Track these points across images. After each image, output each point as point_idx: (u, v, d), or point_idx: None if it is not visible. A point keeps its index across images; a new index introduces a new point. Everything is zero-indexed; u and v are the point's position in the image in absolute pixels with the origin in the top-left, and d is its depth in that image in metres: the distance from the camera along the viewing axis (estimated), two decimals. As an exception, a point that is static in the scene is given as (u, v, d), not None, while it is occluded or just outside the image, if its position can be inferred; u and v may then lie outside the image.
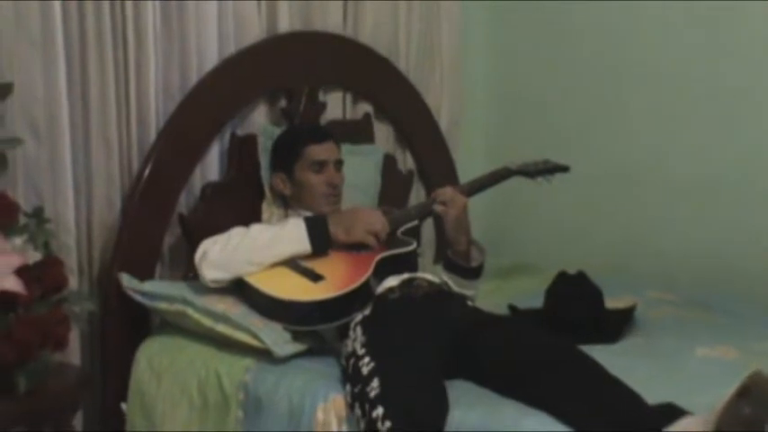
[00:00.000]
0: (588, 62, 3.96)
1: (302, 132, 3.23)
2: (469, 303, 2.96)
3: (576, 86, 4.00)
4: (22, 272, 2.44)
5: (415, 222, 3.14)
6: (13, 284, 2.41)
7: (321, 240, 2.90)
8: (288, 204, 3.17)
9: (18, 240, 2.51)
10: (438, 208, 2.98)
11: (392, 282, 2.87)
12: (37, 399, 2.52)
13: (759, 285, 3.47)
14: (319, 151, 3.11)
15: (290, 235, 2.89)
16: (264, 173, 3.24)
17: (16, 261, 2.44)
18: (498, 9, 4.16)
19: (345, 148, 3.29)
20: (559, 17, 4.01)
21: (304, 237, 2.88)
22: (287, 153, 3.15)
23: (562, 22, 4.01)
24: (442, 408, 2.39)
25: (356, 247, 2.93)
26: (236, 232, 2.91)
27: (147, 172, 3.04)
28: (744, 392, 2.05)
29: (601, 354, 2.52)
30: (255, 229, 2.95)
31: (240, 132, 3.34)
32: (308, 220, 2.92)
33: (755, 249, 3.58)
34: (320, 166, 3.10)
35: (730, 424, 2.03)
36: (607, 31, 3.90)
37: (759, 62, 3.55)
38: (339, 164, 3.15)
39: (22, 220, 2.58)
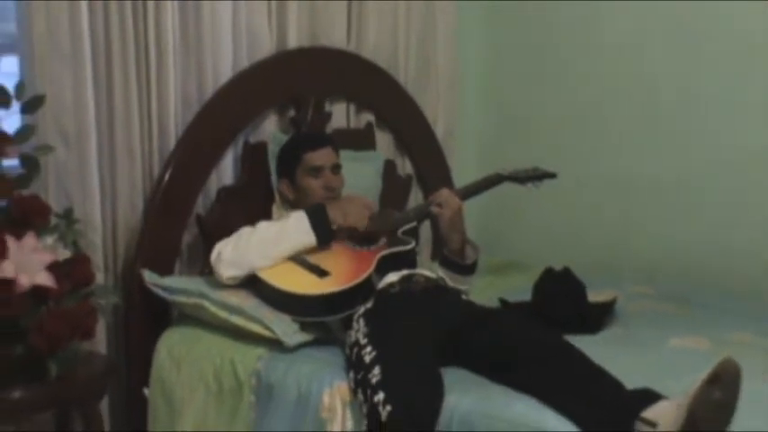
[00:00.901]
0: (572, 77, 3.95)
1: (300, 141, 3.23)
2: (464, 297, 2.96)
3: (561, 99, 3.99)
4: (52, 268, 2.46)
5: (414, 223, 3.15)
6: (44, 279, 2.42)
7: (323, 229, 2.91)
8: (293, 207, 3.15)
9: (49, 239, 2.53)
10: (434, 209, 2.99)
11: (392, 277, 2.88)
12: (67, 384, 2.54)
13: (730, 281, 3.47)
14: (316, 157, 3.11)
15: (296, 227, 2.91)
16: (274, 177, 3.24)
17: (48, 258, 2.46)
18: (491, 28, 4.16)
19: (349, 154, 3.30)
20: (546, 37, 4.01)
21: (307, 227, 2.90)
22: (288, 160, 3.16)
23: (549, 42, 4.01)
24: (438, 393, 2.40)
25: (359, 245, 2.95)
26: (245, 231, 2.93)
27: (167, 177, 3.05)
28: (714, 379, 2.06)
29: (584, 343, 2.52)
30: (262, 225, 2.97)
31: (252, 140, 3.34)
32: (308, 210, 2.94)
33: (727, 247, 3.57)
34: (317, 170, 3.10)
35: (702, 407, 2.04)
36: (589, 49, 3.90)
37: (726, 74, 3.55)
38: (336, 168, 3.15)
39: (53, 220, 2.60)
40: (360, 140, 3.64)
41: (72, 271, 2.55)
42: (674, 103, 3.70)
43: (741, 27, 3.51)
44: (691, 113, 3.67)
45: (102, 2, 2.90)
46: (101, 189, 2.97)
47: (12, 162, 2.61)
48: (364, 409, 2.41)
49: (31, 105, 2.65)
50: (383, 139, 3.81)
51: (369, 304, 2.78)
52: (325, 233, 2.91)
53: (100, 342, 2.92)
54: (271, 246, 2.88)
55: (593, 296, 3.03)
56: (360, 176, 3.38)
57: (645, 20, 3.74)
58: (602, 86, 3.87)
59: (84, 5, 2.83)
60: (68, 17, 2.81)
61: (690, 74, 3.65)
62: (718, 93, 3.59)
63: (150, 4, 3.00)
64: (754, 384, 2.16)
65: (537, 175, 3.19)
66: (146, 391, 2.93)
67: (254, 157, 3.30)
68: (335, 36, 3.61)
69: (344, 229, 2.96)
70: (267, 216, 3.16)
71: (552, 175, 3.21)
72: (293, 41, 3.46)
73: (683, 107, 3.68)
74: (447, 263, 3.02)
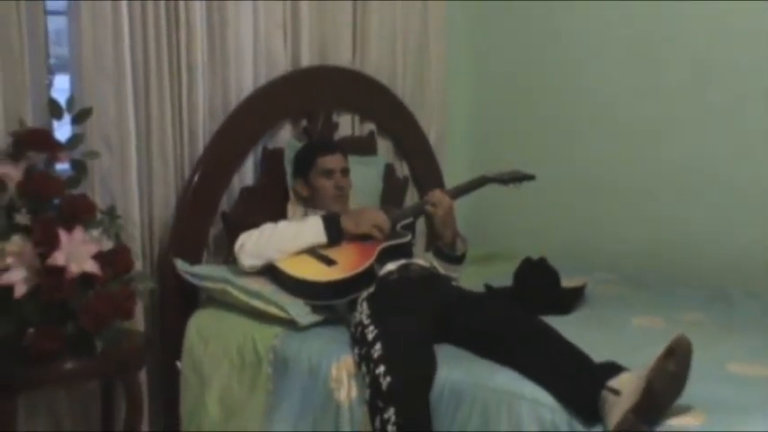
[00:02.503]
0: (548, 93, 3.94)
1: (315, 146, 3.22)
2: (454, 283, 2.97)
3: (539, 112, 3.98)
4: (98, 257, 2.48)
5: (411, 219, 3.15)
6: (91, 267, 2.45)
7: (335, 233, 2.92)
8: (306, 204, 3.17)
9: (95, 232, 2.54)
10: (429, 208, 2.99)
11: (391, 266, 2.89)
12: (110, 357, 2.55)
13: (683, 268, 3.47)
14: (328, 161, 3.11)
15: (311, 229, 2.92)
16: (289, 179, 3.24)
17: (94, 248, 2.48)
18: (477, 49, 4.14)
19: (354, 159, 3.29)
20: (525, 58, 3.99)
21: (321, 230, 2.91)
22: (304, 163, 3.16)
23: (527, 63, 3.99)
24: (431, 366, 2.43)
25: (363, 239, 2.94)
26: (267, 227, 2.93)
27: (196, 178, 3.05)
28: (669, 353, 2.07)
29: (558, 323, 2.53)
30: (282, 224, 2.97)
31: (270, 146, 3.33)
32: (324, 218, 2.94)
33: (680, 239, 3.57)
34: (329, 173, 3.10)
35: (659, 378, 2.06)
36: (561, 70, 3.89)
37: (677, 91, 3.56)
38: (345, 171, 3.14)
39: (99, 216, 2.61)
40: (363, 147, 3.63)
41: (114, 260, 2.56)
42: (631, 118, 3.70)
43: (693, 49, 3.52)
44: (645, 127, 3.66)
45: (141, 28, 2.91)
46: (139, 189, 2.97)
47: (63, 166, 2.63)
48: (367, 380, 2.44)
49: (80, 117, 2.67)
50: (383, 146, 3.79)
51: (371, 289, 2.79)
52: (336, 237, 2.92)
53: (138, 321, 2.92)
54: (287, 243, 2.89)
55: (566, 282, 3.05)
56: (363, 178, 3.39)
57: (609, 43, 3.73)
58: (573, 103, 3.86)
59: (125, 31, 2.85)
60: (112, 41, 2.83)
61: (646, 92, 3.65)
62: (670, 109, 3.59)
63: (182, 30, 3.01)
64: (703, 357, 2.17)
65: (518, 177, 3.19)
66: (178, 363, 2.94)
67: (271, 161, 3.30)
68: (342, 56, 3.60)
69: (354, 236, 2.95)
70: (283, 212, 3.16)
71: (531, 177, 3.21)
72: (305, 61, 3.46)
73: (640, 122, 3.67)
74: (439, 253, 3.03)
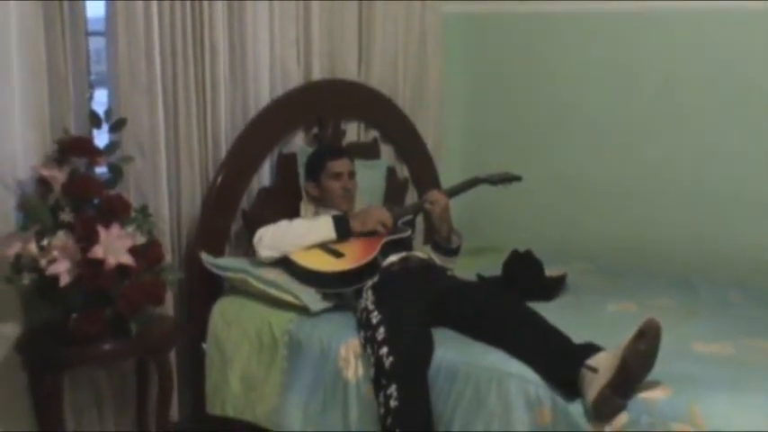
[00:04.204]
0: (534, 103, 3.93)
1: (324, 151, 3.21)
2: (449, 273, 2.99)
3: (525, 120, 3.97)
4: (132, 250, 2.48)
5: (411, 216, 3.16)
6: (127, 259, 2.45)
7: (343, 231, 2.93)
8: (317, 203, 3.16)
9: (130, 228, 2.55)
10: (427, 206, 3.00)
11: (393, 258, 2.90)
12: (144, 339, 2.57)
13: (653, 259, 3.48)
14: (336, 165, 3.09)
15: (322, 227, 2.93)
16: (301, 181, 3.23)
17: (129, 243, 2.48)
18: (471, 64, 4.14)
19: (359, 162, 3.28)
20: (515, 71, 3.99)
21: (331, 228, 2.92)
22: (314, 167, 3.14)
23: (516, 75, 3.98)
24: (429, 348, 2.45)
25: (368, 234, 2.95)
26: (283, 223, 2.93)
27: (219, 179, 3.05)
28: (641, 334, 2.10)
29: (541, 308, 2.56)
30: (296, 221, 2.98)
31: (285, 151, 3.33)
32: (334, 218, 2.95)
33: (650, 233, 3.58)
34: (337, 175, 3.08)
35: (631, 356, 2.09)
36: (546, 81, 3.89)
37: (652, 103, 3.57)
38: (352, 174, 3.13)
39: (133, 214, 2.62)
40: (368, 151, 3.62)
41: (147, 253, 2.57)
42: (607, 128, 3.70)
43: (663, 62, 3.53)
44: (620, 136, 3.67)
45: (170, 48, 2.92)
46: (168, 190, 2.97)
47: (102, 169, 2.64)
48: (372, 360, 2.47)
49: (117, 126, 2.69)
50: (386, 151, 3.78)
51: (375, 279, 2.80)
52: (344, 236, 2.92)
53: (168, 307, 2.93)
54: (301, 238, 2.89)
55: (549, 272, 3.05)
56: (368, 179, 3.39)
57: (589, 61, 3.74)
58: (556, 113, 3.85)
59: (156, 50, 2.85)
60: (145, 59, 2.83)
61: (620, 106, 3.66)
62: (642, 119, 3.59)
63: (207, 49, 3.02)
64: (670, 338, 2.19)
65: (506, 179, 3.21)
66: (204, 345, 2.94)
67: (286, 164, 3.29)
68: (349, 70, 3.60)
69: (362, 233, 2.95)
70: (296, 210, 3.16)
71: (518, 179, 3.22)
72: (316, 75, 3.46)
73: (615, 132, 3.68)
74: (437, 247, 3.04)
